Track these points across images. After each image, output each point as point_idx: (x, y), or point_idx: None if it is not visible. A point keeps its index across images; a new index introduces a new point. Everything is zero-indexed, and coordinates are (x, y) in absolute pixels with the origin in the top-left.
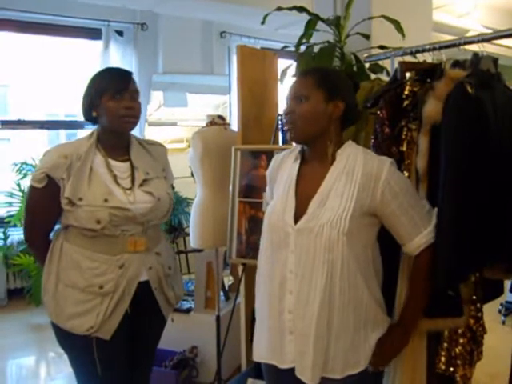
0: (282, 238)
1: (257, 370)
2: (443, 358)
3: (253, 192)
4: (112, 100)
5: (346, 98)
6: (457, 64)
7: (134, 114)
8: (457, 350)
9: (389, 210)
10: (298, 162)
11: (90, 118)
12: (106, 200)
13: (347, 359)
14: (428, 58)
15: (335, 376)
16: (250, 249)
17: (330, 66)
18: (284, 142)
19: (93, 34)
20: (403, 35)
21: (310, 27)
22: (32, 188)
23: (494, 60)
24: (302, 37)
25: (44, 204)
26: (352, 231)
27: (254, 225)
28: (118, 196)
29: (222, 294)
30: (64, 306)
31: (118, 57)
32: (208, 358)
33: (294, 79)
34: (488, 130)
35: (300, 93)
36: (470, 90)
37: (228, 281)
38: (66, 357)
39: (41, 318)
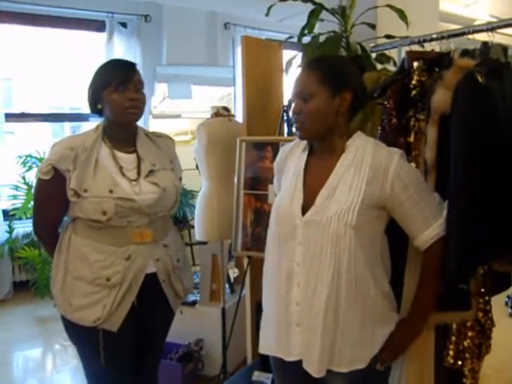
0: (289, 229)
1: (263, 362)
2: (451, 352)
3: (258, 184)
4: (116, 92)
5: (352, 86)
6: (466, 53)
7: (138, 106)
8: (465, 344)
9: (398, 203)
10: (306, 153)
11: (95, 110)
12: (111, 191)
13: (354, 353)
14: (435, 47)
15: (342, 370)
16: (256, 241)
17: (332, 54)
18: (289, 133)
19: (96, 25)
20: (407, 23)
21: (313, 17)
22: (39, 180)
23: (504, 49)
24: (304, 27)
25: (51, 196)
26: (360, 224)
27: (260, 217)
28: (124, 187)
29: (227, 286)
30: (72, 298)
31: (122, 49)
32: (213, 351)
33: (298, 73)
34: (498, 120)
35: (304, 91)
36: (479, 79)
37: (233, 273)
38: (71, 349)
39: (46, 311)
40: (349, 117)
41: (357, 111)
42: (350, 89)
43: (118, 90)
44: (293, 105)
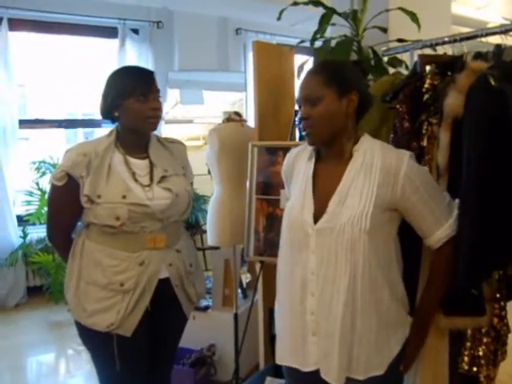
0: (301, 238)
1: (275, 368)
2: (466, 358)
3: (270, 189)
4: (138, 102)
5: (358, 87)
6: (478, 56)
7: (158, 115)
8: (480, 350)
9: (410, 204)
10: (313, 160)
11: (109, 117)
12: (124, 197)
13: (370, 360)
14: (448, 50)
15: (358, 377)
16: (268, 246)
17: (334, 59)
18: (301, 137)
19: (109, 32)
20: (419, 26)
21: (324, 21)
22: (53, 186)
23: None
24: (316, 31)
25: (65, 202)
26: (373, 228)
27: (272, 222)
28: (137, 192)
29: (239, 291)
30: (85, 303)
31: (134, 55)
32: (226, 356)
33: (302, 79)
34: (511, 123)
35: (312, 95)
36: (492, 83)
37: (245, 278)
38: (85, 354)
39: (60, 316)
40: (357, 120)
41: (363, 114)
42: (356, 90)
43: (139, 99)
44: (299, 111)
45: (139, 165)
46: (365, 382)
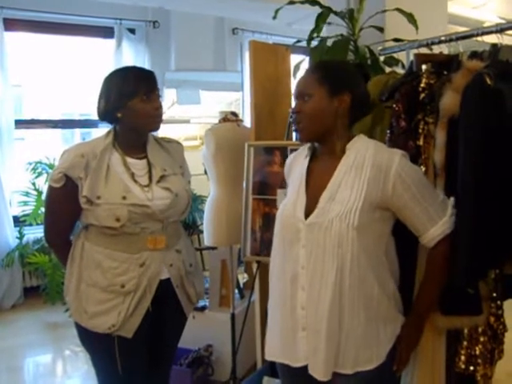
0: (293, 233)
1: (272, 367)
2: (463, 357)
3: (267, 189)
4: (142, 101)
5: (352, 89)
6: (474, 55)
7: (161, 114)
8: (477, 349)
9: (402, 203)
10: (308, 158)
11: (109, 118)
12: (124, 197)
13: (358, 355)
14: (444, 50)
15: (346, 371)
16: (264, 246)
17: (338, 59)
18: (297, 137)
19: (105, 32)
20: (416, 27)
21: (321, 20)
22: (50, 188)
23: None
24: (313, 30)
25: (63, 203)
26: (362, 225)
27: (268, 222)
28: (136, 193)
29: (236, 291)
30: (86, 305)
31: (131, 55)
32: (223, 356)
33: (299, 77)
34: (508, 123)
35: (304, 91)
36: (488, 82)
37: (242, 278)
38: (82, 355)
39: (57, 316)
40: (350, 121)
41: (359, 117)
42: (349, 91)
43: (144, 99)
44: (293, 105)
45: (137, 165)
46: (354, 377)
